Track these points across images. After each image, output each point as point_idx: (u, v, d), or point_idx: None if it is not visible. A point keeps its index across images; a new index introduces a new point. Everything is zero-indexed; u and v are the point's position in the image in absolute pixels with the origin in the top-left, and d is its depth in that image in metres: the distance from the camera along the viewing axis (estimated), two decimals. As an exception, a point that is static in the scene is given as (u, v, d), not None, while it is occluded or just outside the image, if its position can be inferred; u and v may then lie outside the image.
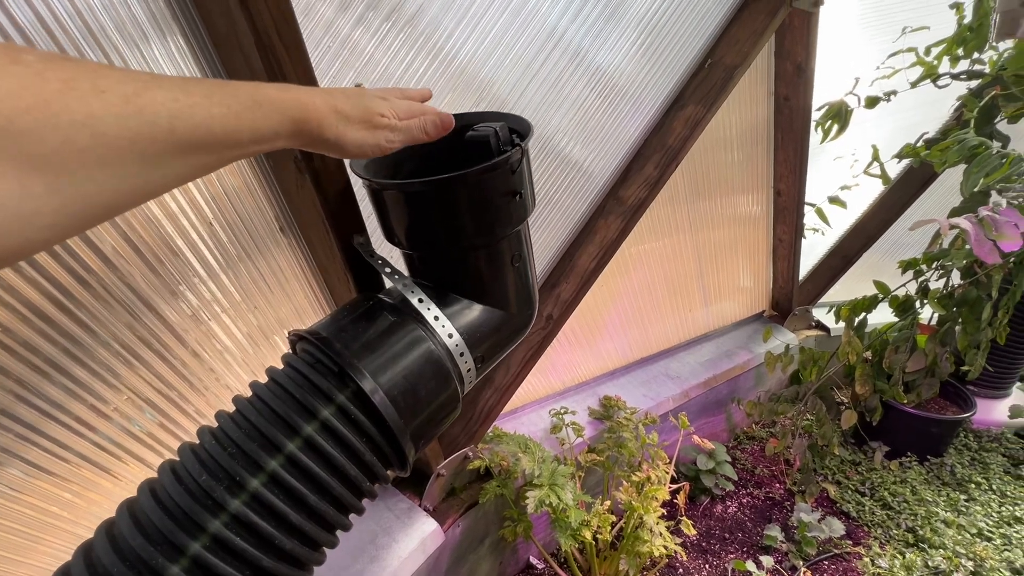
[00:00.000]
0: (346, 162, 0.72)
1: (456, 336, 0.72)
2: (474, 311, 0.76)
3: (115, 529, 0.54)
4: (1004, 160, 1.42)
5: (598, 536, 1.43)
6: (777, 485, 1.92)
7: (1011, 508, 1.64)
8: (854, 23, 1.80)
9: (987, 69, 1.84)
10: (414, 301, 0.70)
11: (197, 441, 0.60)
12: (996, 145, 1.61)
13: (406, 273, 0.77)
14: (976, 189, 1.69)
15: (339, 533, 0.65)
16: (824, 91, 1.79)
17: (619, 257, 1.76)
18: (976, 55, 1.79)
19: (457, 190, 0.63)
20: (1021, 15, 0.76)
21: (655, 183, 1.38)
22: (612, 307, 1.84)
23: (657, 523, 1.47)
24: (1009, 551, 1.46)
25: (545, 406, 1.75)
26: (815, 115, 1.81)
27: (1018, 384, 2.06)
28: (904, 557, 1.43)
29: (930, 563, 1.42)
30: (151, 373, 0.78)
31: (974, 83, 1.83)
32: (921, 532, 1.56)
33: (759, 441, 2.12)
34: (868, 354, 1.97)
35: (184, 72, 0.66)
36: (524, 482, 1.37)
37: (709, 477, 1.80)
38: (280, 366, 0.67)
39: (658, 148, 1.39)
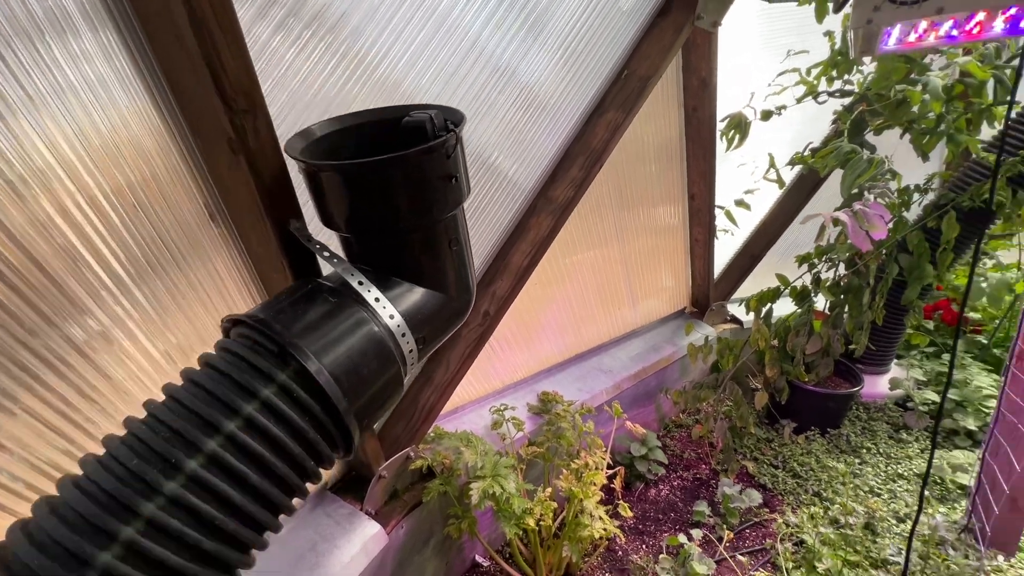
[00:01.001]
0: (281, 145, 0.72)
1: (398, 317, 0.73)
2: (415, 293, 0.78)
3: (30, 525, 0.51)
4: (870, 164, 1.66)
5: (541, 524, 1.47)
6: (703, 466, 2.06)
7: (895, 467, 1.87)
8: (749, 44, 2.03)
9: (856, 88, 2.13)
10: (354, 284, 0.72)
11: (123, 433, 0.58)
12: (865, 152, 1.88)
13: (345, 258, 0.78)
14: (853, 190, 1.95)
15: (279, 543, 0.64)
16: (728, 104, 2.00)
17: (554, 266, 1.85)
18: (847, 76, 2.08)
19: (395, 171, 0.66)
20: (872, 33, 0.91)
21: (581, 183, 1.47)
22: (548, 311, 1.92)
23: (596, 507, 1.53)
24: (895, 503, 1.67)
25: (486, 405, 1.78)
26: (720, 126, 2.01)
27: (896, 360, 2.36)
28: (809, 511, 1.59)
29: (830, 514, 1.60)
30: (54, 394, 0.71)
31: (847, 100, 2.11)
32: (825, 494, 1.74)
33: (686, 428, 2.27)
34: (775, 340, 2.18)
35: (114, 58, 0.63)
36: (467, 479, 1.39)
37: (642, 463, 1.90)
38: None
39: (583, 151, 1.48)
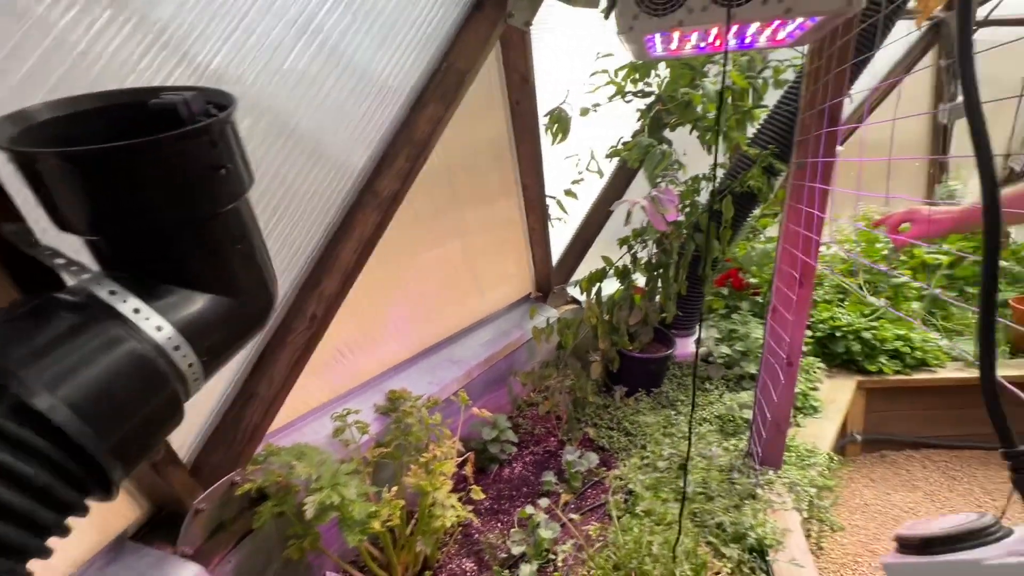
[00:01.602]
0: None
1: (168, 329, 0.64)
2: (193, 301, 0.69)
3: None
4: (664, 156, 1.92)
5: (392, 526, 1.44)
6: (552, 439, 2.21)
7: (701, 413, 2.22)
8: (565, 45, 2.18)
9: (656, 90, 2.44)
10: (103, 294, 0.61)
11: None
12: (664, 146, 2.17)
13: (94, 266, 0.66)
14: (657, 180, 2.24)
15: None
16: (551, 100, 2.14)
17: (397, 265, 1.81)
18: (647, 79, 2.36)
19: (140, 160, 0.57)
20: (638, 39, 1.04)
21: (407, 175, 1.45)
22: (394, 310, 1.87)
23: (448, 497, 1.55)
24: (703, 446, 1.98)
25: (329, 411, 1.68)
26: (543, 120, 2.14)
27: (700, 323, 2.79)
28: (635, 463, 1.81)
29: (647, 461, 1.84)
30: None
31: (648, 100, 2.41)
32: (649, 446, 2.00)
33: (536, 405, 2.41)
34: (607, 316, 2.42)
35: None
36: (307, 493, 1.30)
37: (495, 445, 1.97)
38: None
39: (407, 142, 1.46)
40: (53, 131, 0.63)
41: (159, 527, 1.21)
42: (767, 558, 1.43)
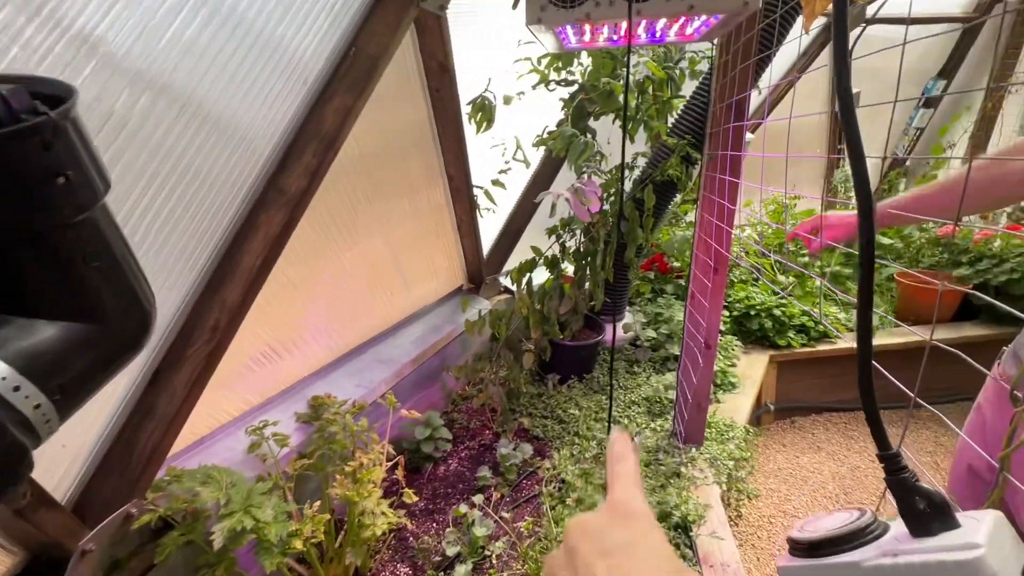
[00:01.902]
0: None
1: (2, 367, 0.54)
2: (39, 331, 0.59)
3: None
4: (586, 146, 1.93)
5: (317, 542, 1.37)
6: (487, 432, 2.20)
7: (630, 396, 2.30)
8: (485, 32, 2.12)
9: (580, 79, 2.44)
10: (-95, 334, 0.50)
11: None
12: (586, 137, 2.18)
13: None
14: (583, 171, 2.26)
15: None
16: (475, 87, 2.07)
17: (315, 266, 1.70)
18: (570, 68, 2.36)
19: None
20: (549, 30, 1.01)
21: (315, 171, 1.35)
22: (313, 311, 1.76)
23: (378, 504, 1.50)
24: (631, 425, 2.04)
25: (244, 424, 1.56)
26: (466, 109, 2.08)
27: (628, 308, 2.88)
28: (568, 451, 1.85)
29: (575, 451, 1.88)
30: None
31: (571, 89, 2.41)
32: (581, 432, 2.04)
33: (470, 399, 2.39)
34: (538, 306, 2.43)
35: None
36: (218, 518, 1.20)
37: (428, 444, 1.93)
38: None
39: (314, 136, 1.36)
40: None
41: (40, 574, 1.07)
42: (691, 533, 1.51)
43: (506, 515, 1.66)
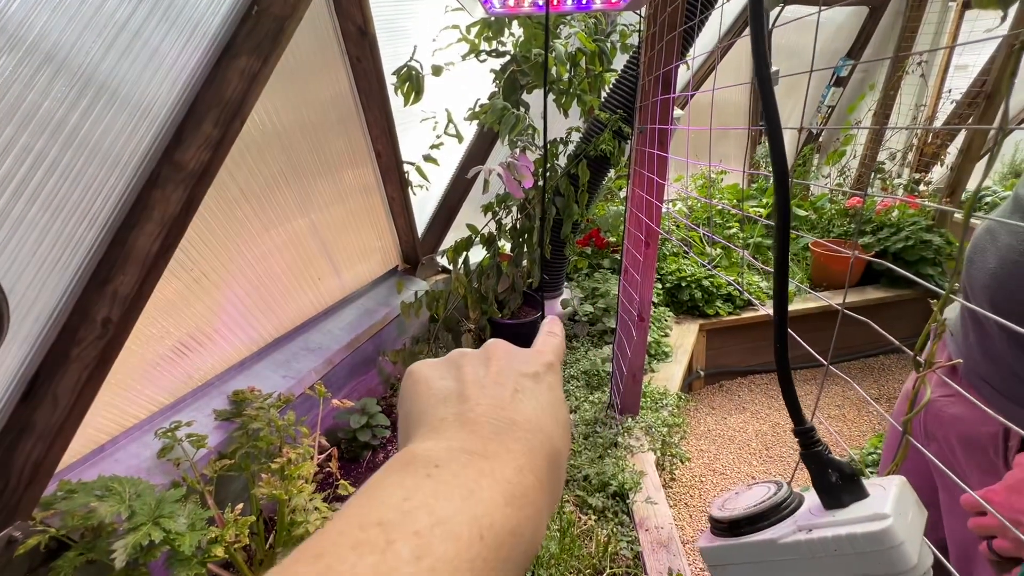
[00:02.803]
0: None
1: None
2: None
3: None
4: (518, 120, 1.87)
5: (243, 545, 1.28)
6: (427, 415, 2.15)
7: (568, 370, 2.33)
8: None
9: (511, 50, 2.36)
10: None
11: None
12: (519, 110, 2.13)
13: None
14: (516, 145, 2.20)
15: None
16: (400, 56, 1.95)
17: (230, 253, 1.55)
18: (501, 38, 2.27)
19: None
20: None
21: (219, 142, 1.22)
22: (231, 299, 1.62)
23: (311, 499, 1.43)
24: (569, 399, 2.08)
25: (154, 426, 1.42)
26: (391, 80, 1.96)
27: (566, 284, 2.90)
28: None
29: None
30: None
31: (502, 60, 2.33)
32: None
33: (410, 383, 2.33)
34: (475, 285, 2.39)
35: None
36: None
37: (365, 432, 1.87)
38: None
39: (215, 103, 1.22)
40: None
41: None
42: (627, 500, 1.56)
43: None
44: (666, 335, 2.71)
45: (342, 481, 1.53)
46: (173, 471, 1.32)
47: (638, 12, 2.01)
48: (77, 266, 1.09)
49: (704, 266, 3.07)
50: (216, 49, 1.24)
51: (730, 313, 2.99)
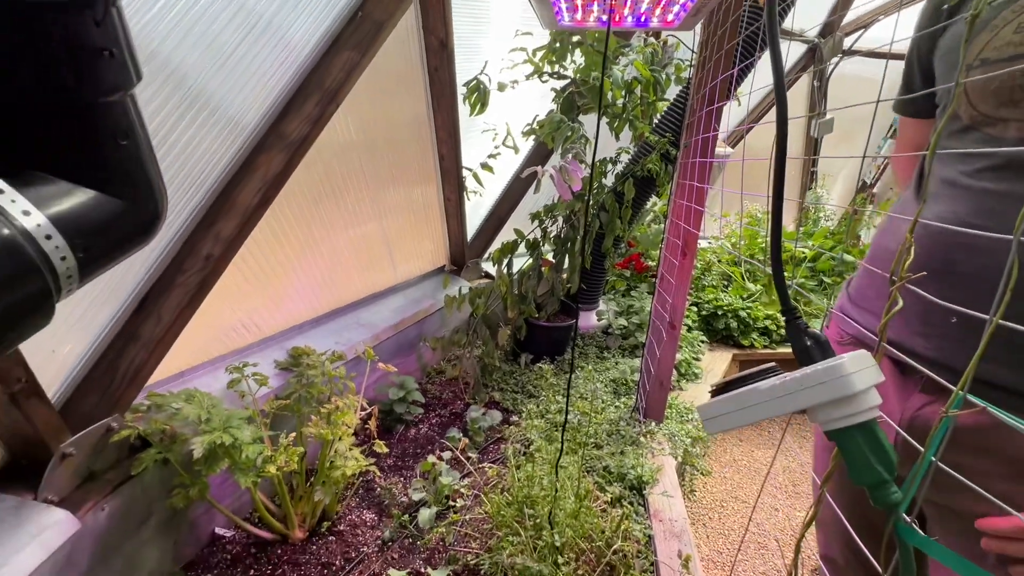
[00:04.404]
0: None
1: (38, 215, 0.61)
2: (74, 195, 0.66)
3: None
4: (573, 131, 2.04)
5: (290, 471, 1.42)
6: (459, 402, 2.27)
7: (599, 376, 2.40)
8: (486, 13, 2.23)
9: (571, 74, 2.56)
10: (-41, 170, 0.57)
11: None
12: (574, 125, 2.30)
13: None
14: (569, 153, 2.36)
15: None
16: (472, 69, 2.17)
17: (306, 224, 1.76)
18: (563, 62, 2.48)
19: (12, 26, 0.54)
20: (546, 6, 1.12)
21: (316, 120, 1.43)
22: (300, 269, 1.82)
23: (350, 448, 1.56)
24: (596, 402, 2.14)
25: (223, 365, 1.60)
26: (461, 90, 2.18)
27: (603, 297, 2.99)
28: (534, 422, 1.93)
29: (547, 418, 1.97)
30: None
31: (563, 82, 2.53)
32: (550, 406, 2.13)
33: (446, 373, 2.46)
34: (518, 287, 2.52)
35: None
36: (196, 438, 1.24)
37: (401, 405, 1.99)
38: None
39: (317, 88, 1.44)
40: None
41: (17, 476, 1.11)
42: (643, 492, 1.61)
43: (472, 456, 1.74)
44: (697, 358, 2.74)
45: (377, 440, 1.66)
46: (238, 402, 1.49)
47: (691, 48, 2.17)
48: (192, 209, 1.30)
49: (746, 299, 3.09)
50: (324, 45, 1.47)
51: (766, 347, 2.99)
